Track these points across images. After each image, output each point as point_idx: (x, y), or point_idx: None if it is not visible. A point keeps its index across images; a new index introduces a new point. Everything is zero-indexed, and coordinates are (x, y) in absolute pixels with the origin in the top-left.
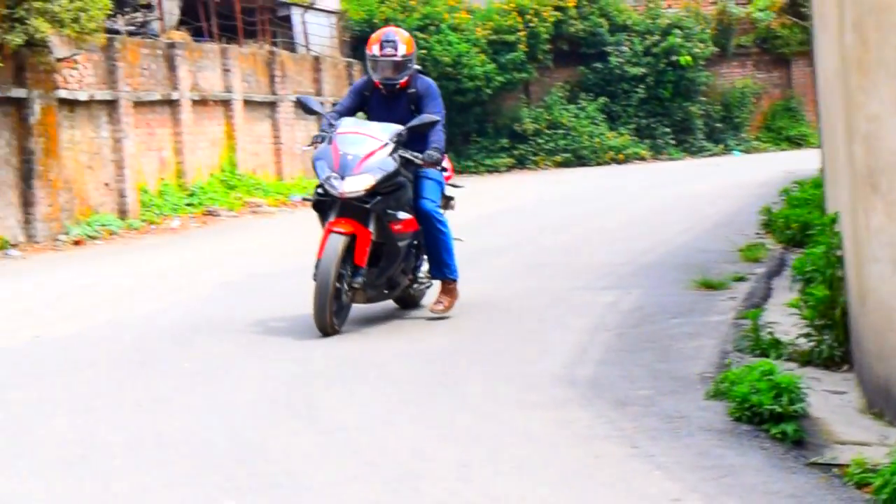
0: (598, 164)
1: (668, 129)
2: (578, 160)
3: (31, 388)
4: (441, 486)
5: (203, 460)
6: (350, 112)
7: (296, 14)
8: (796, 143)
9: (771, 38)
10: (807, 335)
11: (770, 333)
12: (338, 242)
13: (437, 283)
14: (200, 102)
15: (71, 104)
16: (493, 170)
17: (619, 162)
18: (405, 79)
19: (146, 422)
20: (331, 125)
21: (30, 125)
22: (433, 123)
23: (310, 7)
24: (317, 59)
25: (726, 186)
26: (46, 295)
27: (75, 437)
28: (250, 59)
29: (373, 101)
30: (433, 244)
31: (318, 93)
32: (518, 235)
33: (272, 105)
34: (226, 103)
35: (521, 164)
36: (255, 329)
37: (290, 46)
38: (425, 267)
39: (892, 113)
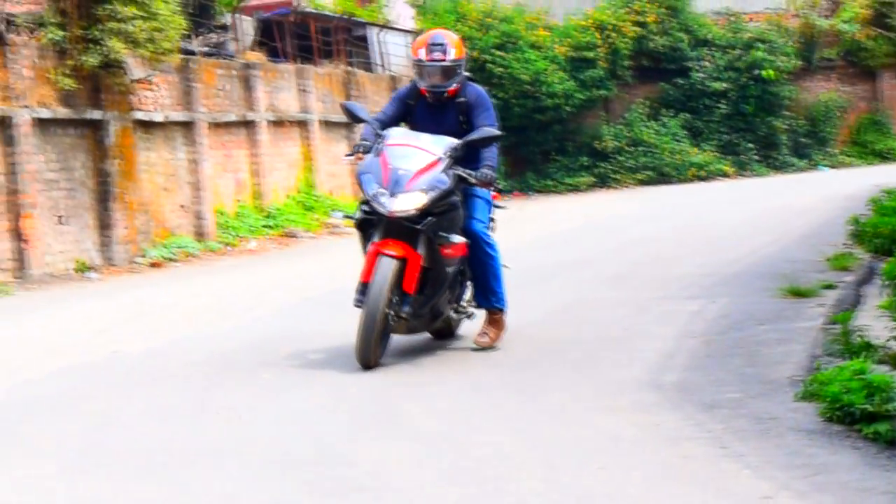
0: (681, 181)
1: (752, 145)
2: (661, 178)
3: (111, 399)
4: (525, 486)
5: (285, 465)
6: (392, 121)
7: (372, 33)
8: (884, 157)
9: (856, 51)
10: None
11: (861, 337)
12: (389, 267)
13: (479, 313)
14: (277, 123)
15: (147, 126)
16: (573, 189)
17: (702, 179)
18: (454, 86)
19: (226, 430)
20: (378, 135)
21: (106, 147)
22: (493, 139)
23: (386, 26)
24: (394, 78)
25: (813, 200)
26: (124, 313)
27: (155, 444)
28: (327, 80)
29: (418, 111)
30: (481, 270)
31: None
32: (599, 249)
33: (349, 125)
34: (302, 124)
35: (602, 182)
36: (333, 342)
37: (367, 66)
38: (468, 294)
39: None
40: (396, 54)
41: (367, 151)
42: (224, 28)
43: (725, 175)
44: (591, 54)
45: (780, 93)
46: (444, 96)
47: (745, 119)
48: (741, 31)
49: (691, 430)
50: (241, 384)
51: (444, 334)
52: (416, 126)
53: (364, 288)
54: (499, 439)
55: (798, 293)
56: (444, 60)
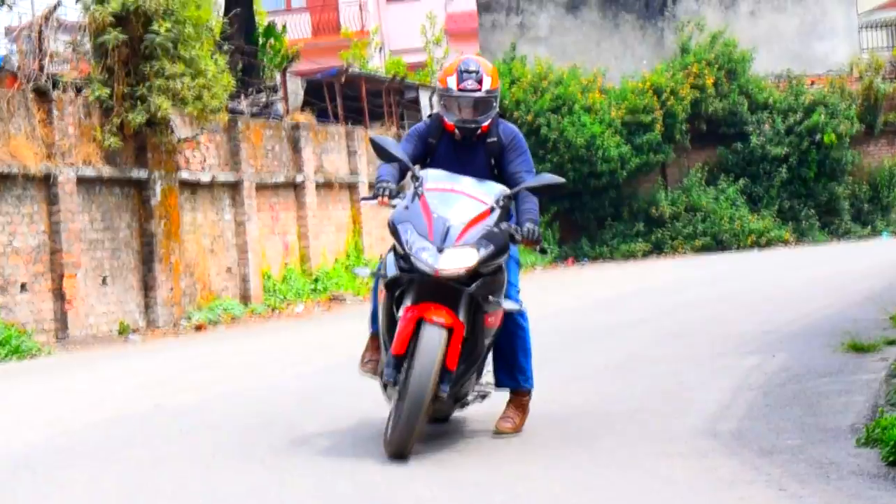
0: (739, 248)
1: (812, 212)
2: (718, 245)
3: (155, 447)
4: None
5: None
6: (417, 159)
7: (424, 95)
8: None
9: None
10: None
11: None
12: (439, 338)
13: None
14: (325, 185)
15: (193, 186)
16: (628, 255)
17: (760, 246)
18: (488, 122)
19: (269, 475)
20: (415, 177)
21: (151, 207)
22: (555, 187)
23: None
24: None
25: (875, 265)
26: (167, 371)
27: (199, 488)
28: None
29: (440, 150)
30: (508, 342)
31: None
32: (656, 309)
33: (400, 188)
34: (352, 186)
35: (658, 249)
36: (379, 395)
37: None
38: (487, 373)
39: None
40: None
41: (392, 196)
42: (273, 88)
43: (785, 242)
44: (647, 118)
45: (842, 158)
46: (476, 134)
47: (805, 185)
48: (802, 95)
49: (749, 475)
50: (284, 434)
51: (438, 419)
52: (439, 163)
53: (398, 362)
54: (552, 486)
55: (859, 348)
56: (478, 91)
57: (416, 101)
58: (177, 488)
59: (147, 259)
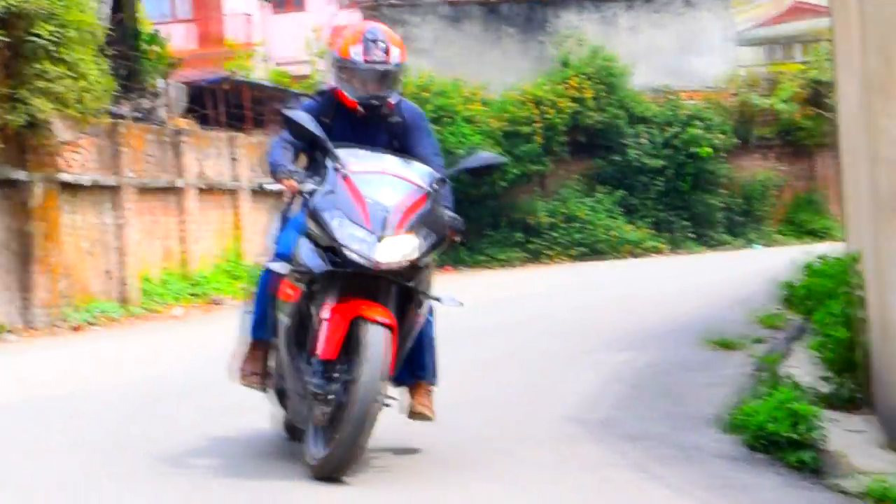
0: (615, 257)
1: (687, 223)
2: (594, 254)
3: (25, 434)
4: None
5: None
6: (305, 145)
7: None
8: (819, 236)
9: (794, 130)
10: (826, 378)
11: (789, 377)
12: (384, 340)
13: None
14: (206, 191)
15: (73, 188)
16: (506, 264)
17: (635, 256)
18: (395, 99)
19: (139, 456)
20: (334, 157)
21: (30, 209)
22: (496, 167)
23: None
24: None
25: (746, 274)
26: (42, 367)
27: (68, 468)
28: (258, 149)
29: (336, 131)
30: (421, 337)
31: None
32: (532, 312)
33: (279, 195)
34: (232, 192)
35: (535, 258)
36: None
37: None
38: None
39: None
40: None
41: (301, 180)
42: (155, 94)
43: (659, 252)
44: (526, 129)
45: (717, 171)
46: (381, 112)
47: (680, 196)
48: (678, 109)
49: (614, 458)
50: (158, 420)
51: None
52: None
53: (327, 369)
54: (419, 465)
55: (727, 345)
56: (386, 62)
57: None
58: (45, 467)
59: (25, 260)
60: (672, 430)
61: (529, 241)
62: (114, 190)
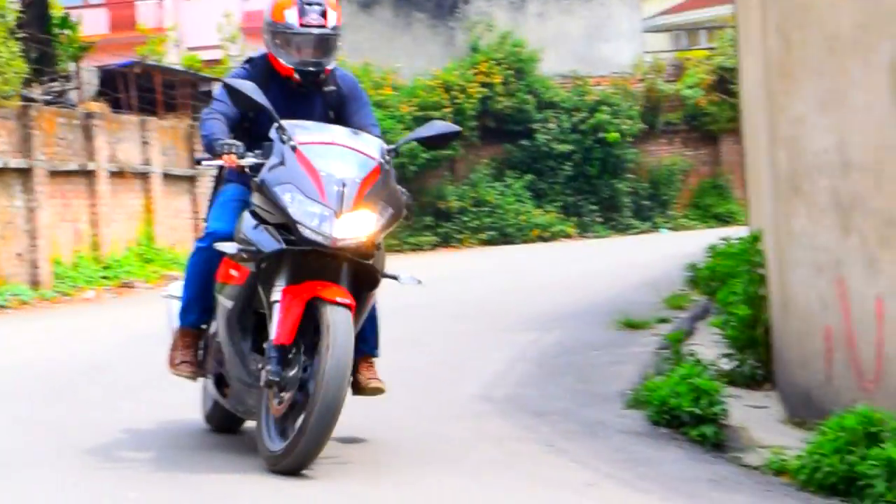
0: (524, 242)
1: (595, 207)
2: (504, 238)
3: None
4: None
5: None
6: (237, 118)
7: (217, 89)
8: (724, 220)
9: (700, 116)
10: (729, 355)
11: (692, 355)
12: (348, 323)
13: None
14: (118, 174)
15: None
16: (416, 248)
17: (545, 240)
18: (332, 65)
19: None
20: (281, 129)
21: None
22: (454, 136)
23: None
24: None
25: (653, 257)
26: None
27: None
28: (170, 133)
29: (269, 101)
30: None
31: (221, 178)
32: (442, 294)
33: (192, 179)
34: (144, 176)
35: (445, 242)
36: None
37: None
38: None
39: (815, 112)
40: None
41: (240, 154)
42: (67, 78)
43: (568, 236)
44: (436, 114)
45: (624, 156)
46: (318, 79)
47: (588, 181)
48: (586, 95)
49: (520, 433)
50: (64, 398)
51: (236, 426)
52: (266, 118)
53: (282, 355)
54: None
55: (633, 325)
56: (324, 26)
57: (209, 94)
58: None
59: None
60: (577, 406)
61: (439, 226)
62: (25, 173)
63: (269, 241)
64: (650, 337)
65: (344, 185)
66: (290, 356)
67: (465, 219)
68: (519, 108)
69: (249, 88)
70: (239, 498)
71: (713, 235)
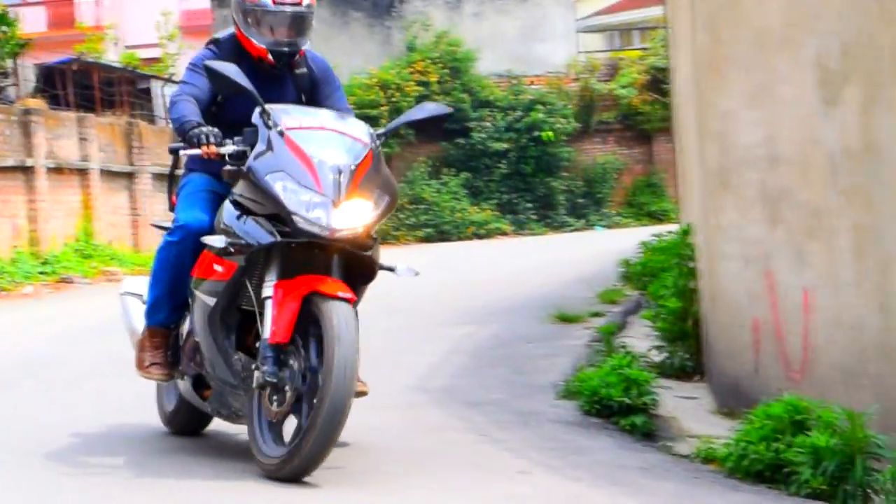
0: (461, 239)
1: (530, 205)
2: (440, 235)
3: None
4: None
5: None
6: (208, 102)
7: (155, 86)
8: (658, 218)
9: (633, 115)
10: (659, 347)
11: (623, 347)
12: (352, 317)
13: None
14: (56, 171)
15: None
16: None
17: (480, 237)
18: (306, 47)
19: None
20: (265, 113)
21: None
22: (444, 118)
23: (169, 80)
24: None
25: (588, 254)
26: None
27: None
28: (108, 130)
29: None
30: None
31: (178, 166)
32: (377, 291)
33: (130, 176)
34: (83, 172)
35: (382, 239)
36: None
37: (150, 118)
38: None
39: (744, 107)
40: None
41: (219, 142)
42: (4, 74)
43: (504, 234)
44: (373, 112)
45: (559, 154)
46: (293, 60)
47: (524, 179)
48: (522, 94)
49: (455, 423)
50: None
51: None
52: (237, 104)
53: (279, 354)
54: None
55: (567, 319)
56: (298, 5)
57: (147, 92)
58: None
59: None
60: (511, 396)
61: None
62: None
63: (260, 234)
64: (583, 330)
65: (339, 171)
66: (283, 355)
67: (402, 216)
68: (455, 106)
69: (232, 71)
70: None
71: (647, 233)
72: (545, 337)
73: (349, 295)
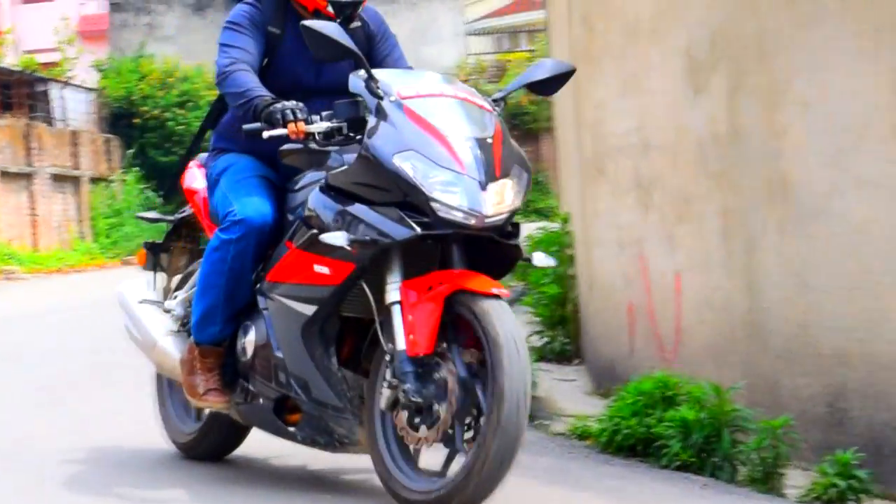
0: None
1: None
2: None
3: None
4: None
5: None
6: (258, 66)
7: (54, 89)
8: (545, 215)
9: (520, 115)
10: (540, 332)
11: None
12: (514, 317)
13: None
14: None
15: None
16: None
17: None
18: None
19: None
20: (373, 80)
21: None
22: (569, 75)
23: (67, 83)
24: (74, 133)
25: None
26: None
27: None
28: (7, 131)
29: (287, 44)
30: None
31: (76, 167)
32: None
33: (29, 177)
34: None
35: None
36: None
37: (49, 120)
38: None
39: (617, 96)
40: (77, 110)
41: (308, 120)
42: None
43: None
44: None
45: None
46: (355, 13)
47: None
48: None
49: None
50: None
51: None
52: (286, 69)
53: (422, 368)
54: None
55: None
56: None
57: (45, 94)
58: None
59: None
60: None
61: None
62: None
63: (392, 226)
64: None
65: (480, 147)
66: (423, 368)
67: None
68: None
69: (334, 31)
70: None
71: (533, 228)
72: None
73: (504, 290)
